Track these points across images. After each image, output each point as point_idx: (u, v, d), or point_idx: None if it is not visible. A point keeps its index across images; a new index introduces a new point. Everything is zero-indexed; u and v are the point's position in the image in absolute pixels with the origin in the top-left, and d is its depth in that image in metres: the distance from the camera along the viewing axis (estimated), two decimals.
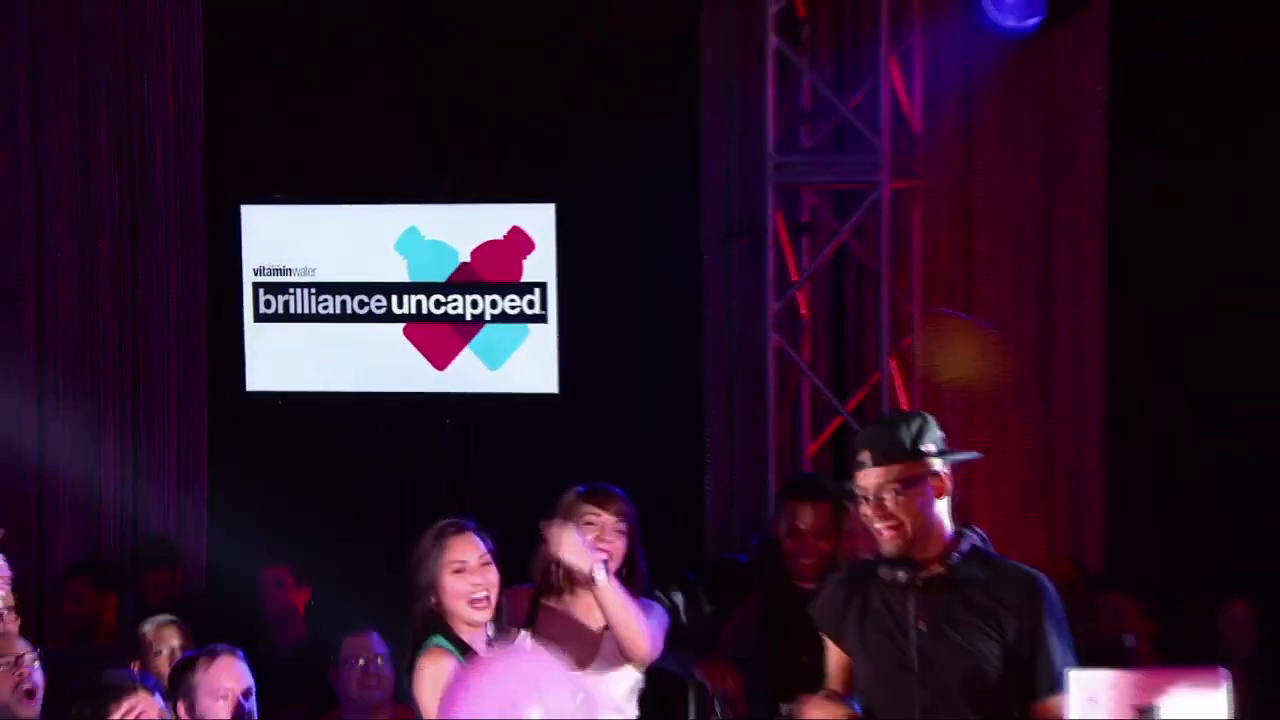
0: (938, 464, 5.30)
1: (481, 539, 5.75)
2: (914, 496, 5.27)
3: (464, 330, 9.69)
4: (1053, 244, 9.28)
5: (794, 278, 9.29)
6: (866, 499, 5.29)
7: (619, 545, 6.18)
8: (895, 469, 5.27)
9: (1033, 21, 8.83)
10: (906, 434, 5.34)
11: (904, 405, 9.00)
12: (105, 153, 9.97)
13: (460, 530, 5.77)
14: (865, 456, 5.34)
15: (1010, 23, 8.83)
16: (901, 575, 5.29)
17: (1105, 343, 9.10)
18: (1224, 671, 4.95)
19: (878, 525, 5.28)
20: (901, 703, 5.28)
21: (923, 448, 5.32)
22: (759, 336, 9.28)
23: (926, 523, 5.28)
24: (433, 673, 5.64)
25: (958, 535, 5.33)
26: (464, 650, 5.68)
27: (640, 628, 6.00)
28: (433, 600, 5.72)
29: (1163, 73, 8.95)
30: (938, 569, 5.29)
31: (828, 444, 9.29)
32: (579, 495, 6.23)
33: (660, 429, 9.50)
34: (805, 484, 7.92)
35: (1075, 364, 9.18)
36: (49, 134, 9.97)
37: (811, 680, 6.32)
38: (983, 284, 9.34)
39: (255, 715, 6.10)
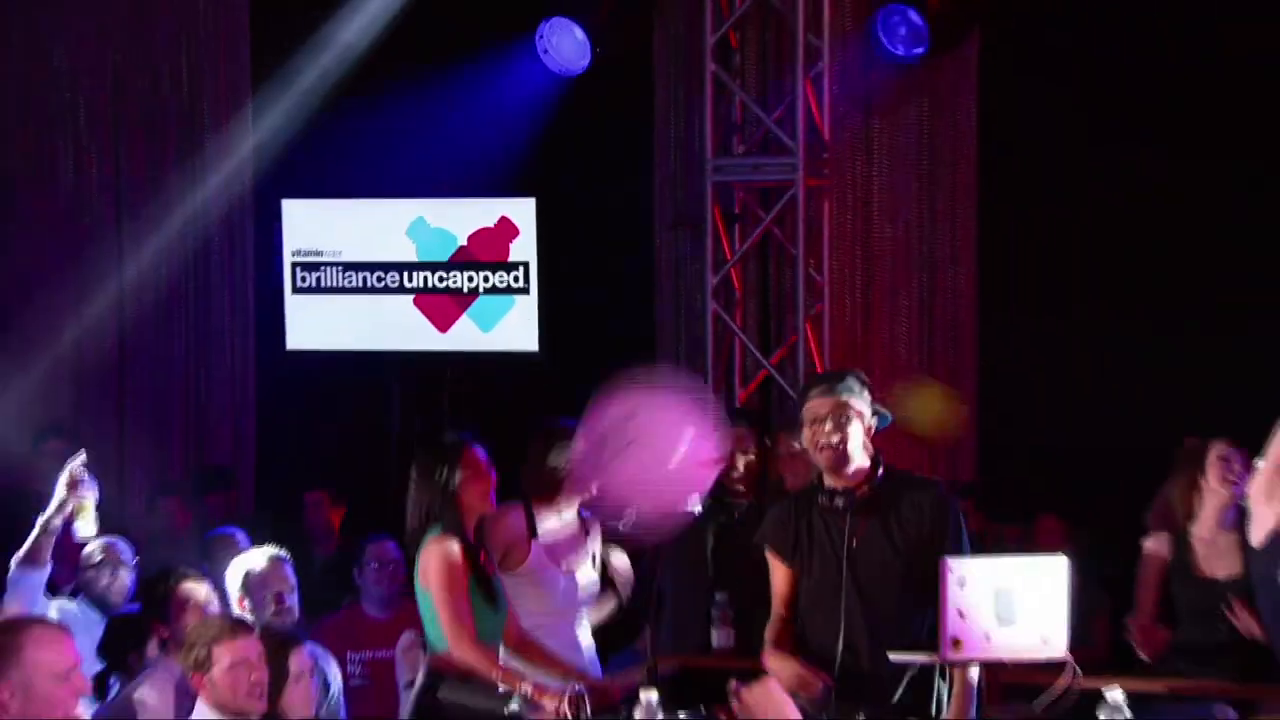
0: (868, 406, 5.43)
1: (482, 452, 5.73)
2: (850, 425, 5.36)
3: (462, 300, 9.68)
4: (934, 230, 9.30)
5: (728, 258, 9.31)
6: (815, 423, 5.36)
7: None
8: (842, 402, 5.36)
9: (918, 51, 8.88)
10: (853, 381, 5.43)
11: (816, 362, 9.01)
12: (171, 161, 9.98)
13: (471, 446, 5.72)
14: (821, 390, 5.43)
15: (900, 51, 8.87)
16: (839, 502, 5.37)
17: (976, 308, 9.18)
18: (1064, 559, 5.11)
19: (821, 442, 5.35)
20: (836, 606, 5.31)
21: (862, 393, 5.43)
22: (700, 305, 9.35)
23: (856, 448, 5.35)
24: (439, 551, 5.58)
25: (874, 461, 5.42)
26: (464, 538, 5.67)
27: None
28: (443, 501, 5.66)
29: (1023, 93, 9.00)
30: (864, 492, 5.37)
31: (755, 391, 9.30)
32: (552, 430, 6.19)
33: (621, 371, 9.52)
34: (734, 414, 8.06)
35: (952, 326, 9.24)
36: (127, 146, 9.99)
37: (741, 568, 6.49)
38: (878, 263, 9.38)
39: (297, 610, 6.17)
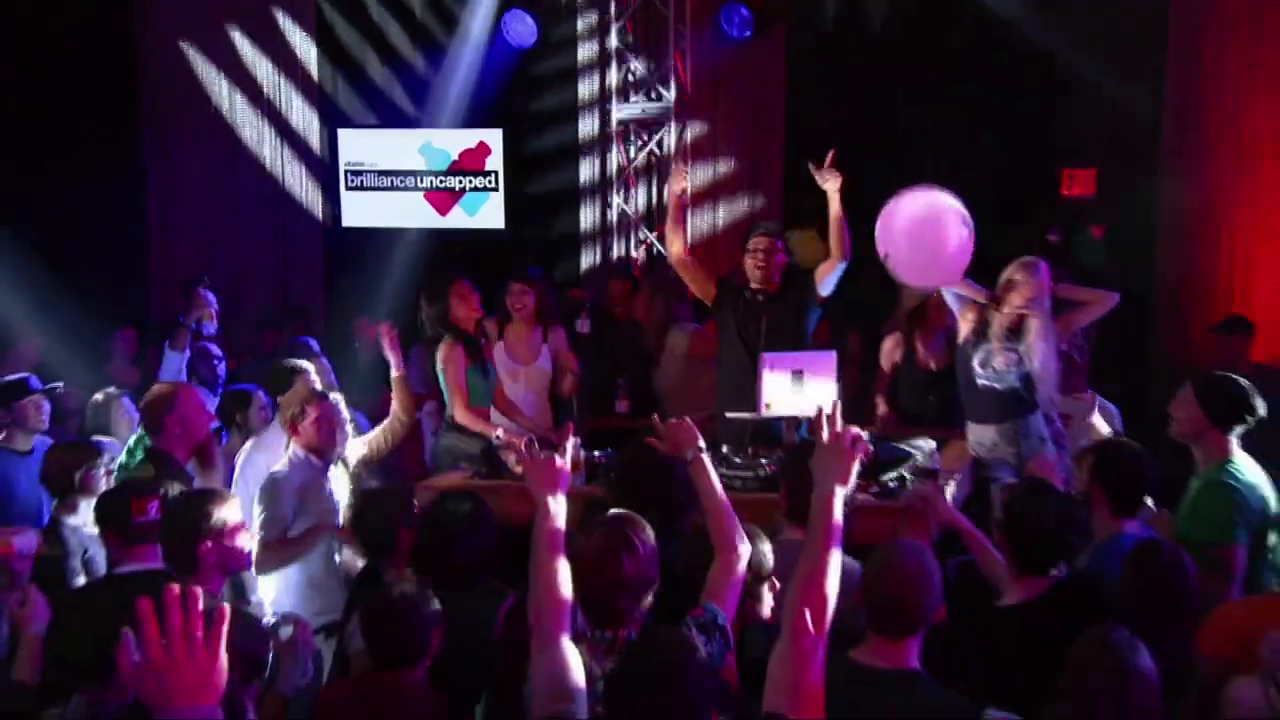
0: (785, 245, 5.58)
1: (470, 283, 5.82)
2: (775, 256, 5.52)
3: (455, 195, 9.58)
4: (757, 153, 9.25)
5: (625, 168, 9.32)
6: (756, 251, 5.49)
7: (530, 300, 5.98)
8: (772, 240, 5.53)
9: (747, 34, 8.89)
10: (779, 230, 5.63)
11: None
12: (265, 106, 9.81)
13: (464, 279, 5.81)
14: (762, 232, 5.56)
15: (735, 35, 8.88)
16: (760, 298, 5.54)
17: (784, 200, 9.10)
18: (834, 352, 5.26)
19: (757, 264, 5.49)
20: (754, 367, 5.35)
21: (784, 237, 5.61)
22: (608, 197, 9.37)
23: (778, 270, 5.53)
24: (446, 349, 5.66)
25: (782, 276, 5.58)
26: (463, 339, 5.70)
27: None
28: (449, 314, 5.72)
29: (814, 65, 8.93)
30: (773, 291, 5.55)
31: (645, 254, 9.32)
32: (510, 279, 6.09)
33: (557, 242, 9.53)
34: (617, 269, 8.18)
35: (768, 211, 9.09)
36: (238, 98, 9.85)
37: (633, 362, 6.52)
38: (723, 176, 9.30)
39: (336, 384, 6.11)
